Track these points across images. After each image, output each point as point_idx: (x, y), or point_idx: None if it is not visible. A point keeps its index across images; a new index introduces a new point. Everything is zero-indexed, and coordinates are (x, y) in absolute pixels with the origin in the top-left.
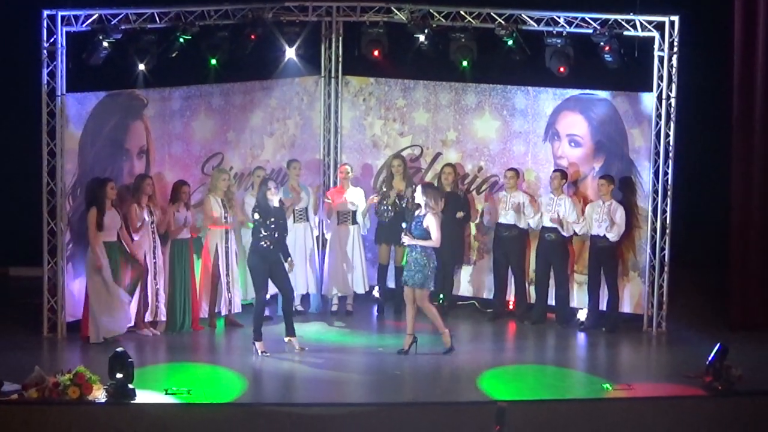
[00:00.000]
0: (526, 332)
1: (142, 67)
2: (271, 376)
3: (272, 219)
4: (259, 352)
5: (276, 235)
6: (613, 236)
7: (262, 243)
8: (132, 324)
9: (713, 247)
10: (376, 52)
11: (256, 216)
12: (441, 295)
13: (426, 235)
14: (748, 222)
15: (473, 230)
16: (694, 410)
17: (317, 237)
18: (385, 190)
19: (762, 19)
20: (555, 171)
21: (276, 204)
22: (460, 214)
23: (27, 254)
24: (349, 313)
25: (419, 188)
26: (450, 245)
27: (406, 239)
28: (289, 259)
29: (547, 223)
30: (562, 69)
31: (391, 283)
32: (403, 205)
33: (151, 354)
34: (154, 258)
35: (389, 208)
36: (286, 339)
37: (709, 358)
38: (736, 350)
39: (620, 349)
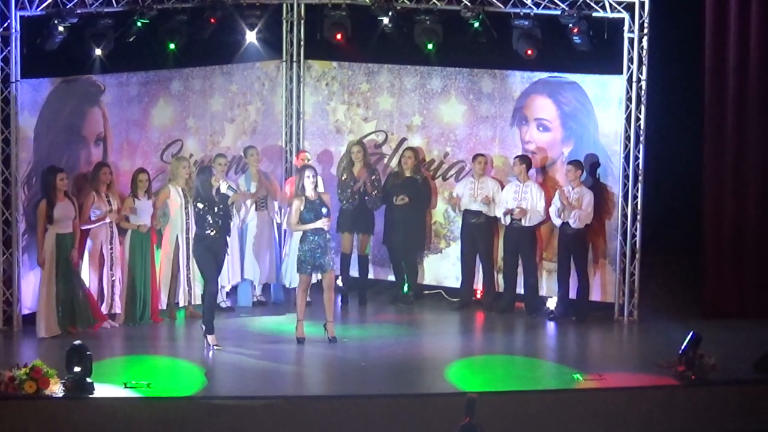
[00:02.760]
0: (494, 322)
1: (98, 52)
2: (233, 369)
3: (219, 206)
4: (211, 345)
5: (221, 223)
6: (574, 222)
7: (208, 231)
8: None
9: (685, 233)
10: (338, 36)
11: (200, 205)
12: (406, 284)
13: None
14: (721, 207)
15: (440, 218)
16: (667, 400)
17: (278, 225)
18: (345, 177)
19: None
20: (516, 157)
21: (223, 190)
22: (399, 201)
23: None
24: (307, 303)
25: (310, 171)
26: (406, 232)
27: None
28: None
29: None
30: (529, 51)
31: (354, 272)
32: (364, 195)
33: (110, 347)
34: (111, 248)
35: (355, 195)
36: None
37: (682, 347)
38: (709, 338)
39: (591, 339)
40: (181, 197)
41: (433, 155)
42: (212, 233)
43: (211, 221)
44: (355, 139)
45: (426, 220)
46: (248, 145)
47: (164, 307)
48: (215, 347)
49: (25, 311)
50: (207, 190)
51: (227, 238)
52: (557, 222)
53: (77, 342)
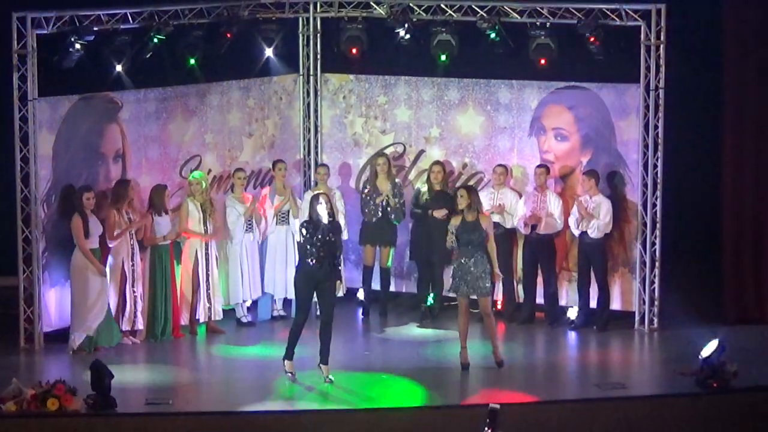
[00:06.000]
0: (515, 332)
1: (119, 68)
2: (255, 384)
3: (320, 235)
4: (286, 371)
5: (322, 253)
6: (593, 232)
7: (309, 260)
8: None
9: (705, 241)
10: (354, 51)
11: (304, 231)
12: (431, 295)
13: (483, 238)
14: (740, 214)
15: None
16: (690, 408)
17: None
18: (368, 189)
19: (753, 3)
20: (539, 166)
21: (325, 220)
22: (437, 213)
23: (1, 264)
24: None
25: (463, 191)
26: (439, 245)
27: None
28: (338, 282)
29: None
30: (543, 61)
31: (376, 285)
32: (387, 207)
33: (132, 363)
34: (132, 264)
35: (378, 207)
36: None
37: (704, 355)
38: (730, 345)
39: (612, 348)
40: (199, 212)
41: (452, 167)
42: (312, 262)
43: (311, 249)
44: (379, 152)
45: None
46: (277, 159)
47: (185, 323)
48: (289, 374)
49: (46, 329)
50: (316, 217)
51: (335, 268)
52: (576, 232)
53: (99, 359)
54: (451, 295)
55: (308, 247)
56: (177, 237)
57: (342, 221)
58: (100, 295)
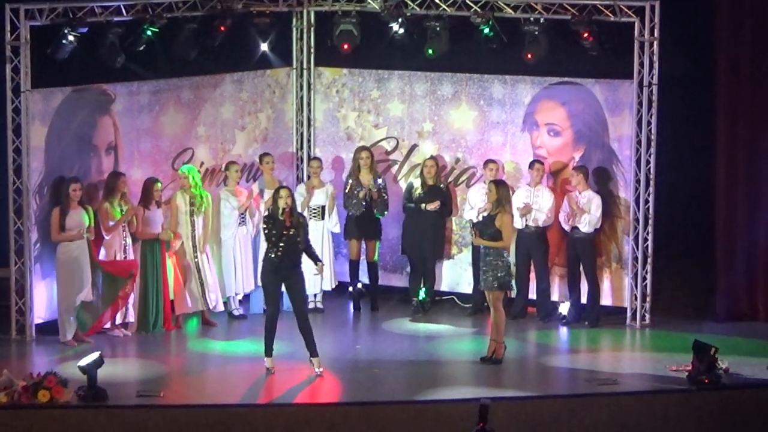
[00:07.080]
0: (507, 327)
1: (120, 60)
2: (246, 377)
3: (276, 230)
4: (266, 368)
5: (282, 246)
6: (584, 227)
7: (270, 254)
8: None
9: (698, 237)
10: (345, 46)
11: (263, 225)
12: (423, 289)
13: (497, 235)
14: (733, 211)
15: (452, 224)
16: (681, 404)
17: None
18: (351, 182)
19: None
20: (534, 162)
21: (280, 215)
22: (430, 206)
23: None
24: (319, 310)
25: (492, 186)
26: (431, 240)
27: (476, 240)
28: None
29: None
30: (529, 55)
31: (364, 279)
32: (370, 200)
33: (123, 355)
34: (125, 257)
35: (362, 201)
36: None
37: (695, 352)
38: (721, 342)
39: (604, 343)
40: (187, 204)
41: (444, 161)
42: (273, 256)
43: (271, 243)
44: (362, 145)
45: (448, 228)
46: (264, 152)
47: (188, 312)
48: (268, 371)
49: (38, 320)
50: (275, 210)
51: (299, 264)
52: (566, 227)
53: (91, 351)
54: (444, 289)
55: (267, 241)
56: (170, 238)
57: (335, 215)
58: (77, 277)
